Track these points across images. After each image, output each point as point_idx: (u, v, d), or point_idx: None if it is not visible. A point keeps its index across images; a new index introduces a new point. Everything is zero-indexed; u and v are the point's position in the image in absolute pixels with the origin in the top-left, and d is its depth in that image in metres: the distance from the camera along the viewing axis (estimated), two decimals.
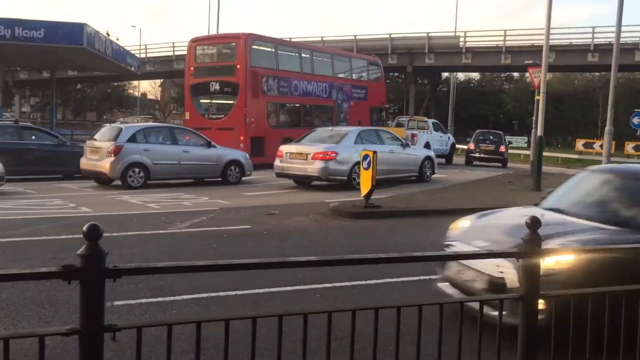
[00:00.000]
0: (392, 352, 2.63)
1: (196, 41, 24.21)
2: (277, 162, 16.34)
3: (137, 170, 14.85)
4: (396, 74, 68.96)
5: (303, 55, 25.53)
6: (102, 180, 15.35)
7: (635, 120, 29.47)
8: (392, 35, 48.88)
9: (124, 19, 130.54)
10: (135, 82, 78.43)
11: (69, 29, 22.89)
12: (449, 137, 29.80)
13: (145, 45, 58.58)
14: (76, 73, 53.01)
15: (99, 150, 14.98)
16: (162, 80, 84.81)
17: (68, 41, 22.84)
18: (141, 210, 11.40)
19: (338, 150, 15.58)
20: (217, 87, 22.61)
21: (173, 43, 57.55)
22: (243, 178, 16.84)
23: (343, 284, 6.34)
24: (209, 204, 12.41)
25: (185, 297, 5.76)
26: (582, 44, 42.45)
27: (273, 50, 23.98)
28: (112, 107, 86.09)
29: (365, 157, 11.66)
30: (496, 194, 15.39)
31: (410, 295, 6.12)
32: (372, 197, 11.77)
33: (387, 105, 32.73)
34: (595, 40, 41.56)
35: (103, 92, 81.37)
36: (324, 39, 50.45)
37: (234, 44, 22.59)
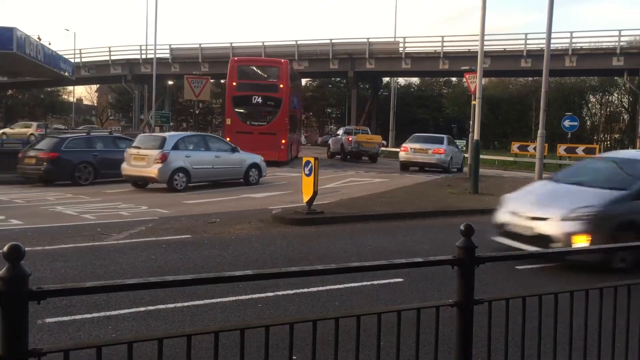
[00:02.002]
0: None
1: (239, 61, 29.26)
2: (403, 154, 26.40)
3: (181, 174, 16.53)
4: (338, 79, 69.62)
5: (296, 75, 33.33)
6: (139, 185, 17.24)
7: (566, 123, 30.74)
8: (333, 41, 49.33)
9: (56, 22, 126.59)
10: (70, 88, 76.01)
11: None
12: None
13: (80, 50, 56.97)
14: (6, 79, 50.93)
15: (145, 157, 16.48)
16: (98, 85, 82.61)
17: None
18: (76, 221, 11.01)
19: (445, 148, 25.93)
20: (260, 100, 27.69)
21: (109, 47, 56.23)
22: (260, 179, 18.93)
23: (285, 292, 6.30)
24: (148, 214, 12.11)
25: (122, 311, 5.58)
26: (515, 50, 44.01)
27: (292, 73, 30.53)
28: (45, 113, 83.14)
29: (307, 163, 11.65)
30: (437, 197, 15.69)
31: (351, 303, 6.14)
32: (314, 203, 11.79)
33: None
34: (528, 46, 43.17)
35: (36, 97, 78.48)
36: (265, 44, 50.37)
37: (277, 67, 28.47)
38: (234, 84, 27.67)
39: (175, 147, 16.73)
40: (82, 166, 18.18)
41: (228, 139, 24.67)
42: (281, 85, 27.80)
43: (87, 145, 18.89)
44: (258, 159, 19.21)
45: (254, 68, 29.68)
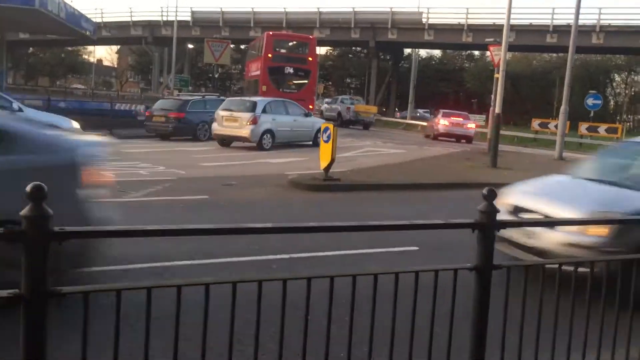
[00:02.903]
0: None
1: (274, 35, 32.11)
2: (441, 127, 29.95)
3: (268, 135, 18.39)
4: (358, 49, 68.83)
5: None
6: (225, 143, 19.12)
7: (590, 101, 30.19)
8: (355, 9, 48.66)
9: None
10: (91, 48, 76.12)
11: None
12: None
13: (102, 10, 56.92)
14: (28, 36, 51.10)
15: (238, 119, 18.33)
16: (118, 46, 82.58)
17: (19, 1, 21.82)
18: None
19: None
20: (291, 70, 31.06)
21: (130, 8, 56.08)
22: None
23: (299, 255, 6.32)
24: (166, 174, 12.18)
25: (139, 265, 5.65)
26: (541, 25, 43.12)
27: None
28: (66, 72, 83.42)
29: (326, 129, 11.60)
30: (455, 169, 15.59)
31: (367, 267, 6.14)
32: (331, 171, 11.76)
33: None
34: (554, 21, 42.27)
35: (57, 56, 78.69)
36: (287, 10, 49.84)
37: (307, 42, 32.73)
38: (270, 55, 30.60)
39: (264, 111, 18.54)
40: (201, 125, 20.88)
41: None
42: (310, 59, 31.69)
43: (204, 107, 21.38)
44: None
45: (287, 42, 33.58)
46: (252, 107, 18.56)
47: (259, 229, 2.52)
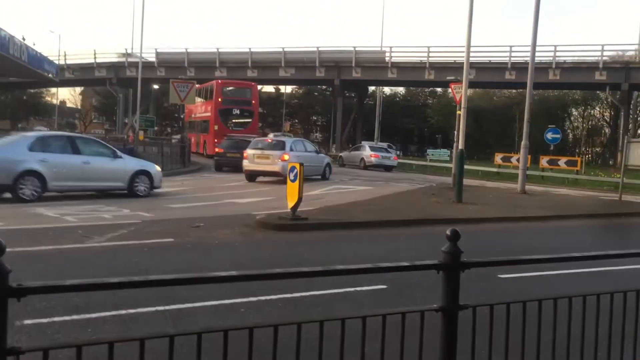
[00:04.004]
0: None
1: (222, 84, 38.28)
2: (374, 160, 35.58)
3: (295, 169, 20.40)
4: (324, 87, 69.74)
5: None
6: (251, 178, 21.50)
7: (549, 135, 31.05)
8: (319, 49, 49.46)
9: (41, 24, 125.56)
10: (54, 90, 75.33)
11: None
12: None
13: (65, 52, 56.55)
14: None
15: (270, 157, 21.06)
16: (82, 88, 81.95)
17: None
18: (56, 223, 10.86)
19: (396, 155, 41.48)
20: (238, 112, 37.23)
21: (94, 50, 55.89)
22: (329, 176, 24.08)
23: (268, 297, 6.25)
24: (130, 217, 11.99)
25: (102, 314, 5.50)
26: (500, 62, 44.45)
27: None
28: (28, 115, 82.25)
29: (292, 168, 11.63)
30: (421, 205, 15.74)
31: (334, 308, 6.11)
32: (299, 210, 11.74)
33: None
34: (512, 59, 43.63)
35: (18, 99, 77.59)
36: (252, 50, 50.32)
37: (250, 88, 38.79)
38: (220, 99, 36.15)
39: (290, 148, 21.28)
40: None
41: (216, 141, 32.21)
42: (253, 101, 37.83)
43: None
44: (329, 159, 25.22)
45: (233, 88, 39.12)
46: (282, 146, 21.40)
47: (222, 277, 2.50)
